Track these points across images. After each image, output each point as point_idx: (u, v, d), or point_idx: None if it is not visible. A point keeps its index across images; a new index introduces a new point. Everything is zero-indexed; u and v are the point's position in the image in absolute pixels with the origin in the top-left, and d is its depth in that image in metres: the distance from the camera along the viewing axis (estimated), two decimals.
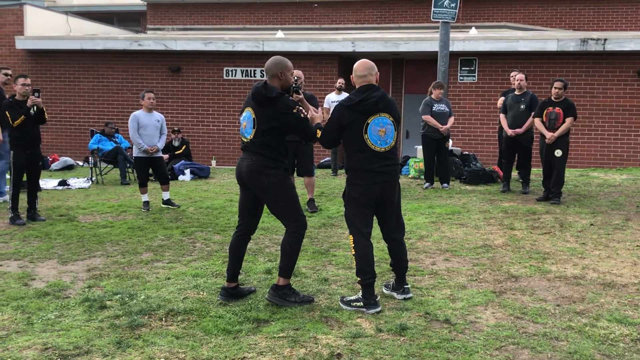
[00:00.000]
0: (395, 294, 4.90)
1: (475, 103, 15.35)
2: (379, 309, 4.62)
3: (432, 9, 11.49)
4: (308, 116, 4.78)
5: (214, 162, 14.67)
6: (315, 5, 21.20)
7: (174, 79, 16.58)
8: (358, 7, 21.39)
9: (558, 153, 8.75)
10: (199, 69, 16.45)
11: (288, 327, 4.29)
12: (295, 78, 8.16)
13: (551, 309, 4.65)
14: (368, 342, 4.04)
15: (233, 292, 4.86)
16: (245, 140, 4.82)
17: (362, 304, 4.62)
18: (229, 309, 4.64)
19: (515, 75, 10.08)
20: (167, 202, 8.94)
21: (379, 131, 4.60)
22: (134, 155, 8.93)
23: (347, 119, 4.59)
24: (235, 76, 16.40)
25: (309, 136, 4.75)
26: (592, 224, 7.40)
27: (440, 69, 11.56)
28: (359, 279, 4.67)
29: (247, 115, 4.76)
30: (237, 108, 16.15)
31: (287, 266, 4.75)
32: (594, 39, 14.38)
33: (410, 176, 11.60)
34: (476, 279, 5.41)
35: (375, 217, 4.82)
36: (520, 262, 5.90)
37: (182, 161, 12.90)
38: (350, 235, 4.72)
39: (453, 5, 11.29)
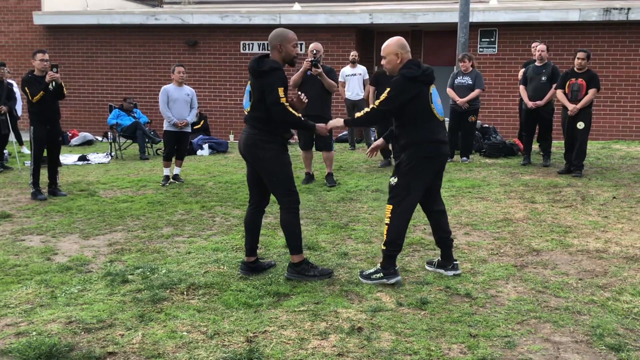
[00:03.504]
0: (443, 271, 4.81)
1: (496, 75, 15.15)
2: (399, 277, 4.62)
3: None
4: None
5: (231, 137, 14.67)
6: None
7: (191, 53, 16.52)
8: None
9: (580, 125, 8.62)
10: (216, 42, 16.38)
11: (309, 301, 4.30)
12: (315, 52, 8.14)
13: (573, 283, 4.62)
14: (389, 316, 4.04)
15: (253, 266, 4.88)
16: (245, 113, 4.82)
17: (382, 274, 4.60)
18: (249, 283, 4.66)
19: (537, 46, 9.90)
20: (175, 176, 8.96)
21: (437, 100, 4.62)
22: (164, 128, 8.91)
23: (413, 91, 4.49)
24: (252, 50, 16.31)
25: (280, 121, 4.60)
26: (614, 197, 7.31)
27: (460, 40, 11.39)
28: (384, 248, 4.62)
29: (247, 88, 4.78)
30: None
31: (294, 242, 4.75)
32: (617, 9, 14.06)
33: None
34: (497, 253, 5.38)
35: None
36: (541, 236, 5.85)
37: (201, 136, 12.91)
38: (390, 205, 4.62)
39: None
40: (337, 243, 5.75)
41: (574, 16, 14.28)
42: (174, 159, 8.98)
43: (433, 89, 4.61)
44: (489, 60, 15.22)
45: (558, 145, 10.28)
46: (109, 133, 12.53)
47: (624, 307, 4.14)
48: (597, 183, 8.15)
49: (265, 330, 3.84)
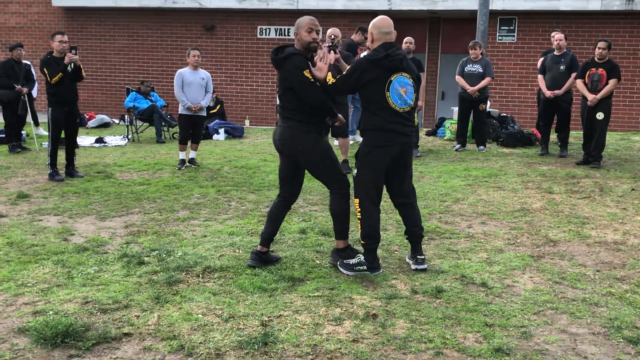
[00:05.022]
0: (410, 263, 4.73)
1: (514, 64, 15.02)
2: (381, 270, 4.59)
3: None
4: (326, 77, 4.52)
5: (247, 122, 14.69)
6: None
7: (208, 37, 16.52)
8: None
9: (600, 116, 8.52)
10: (233, 27, 16.36)
11: (323, 287, 4.30)
12: (332, 37, 8.08)
13: (591, 275, 4.58)
14: (403, 304, 4.03)
15: (264, 257, 4.76)
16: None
17: (365, 267, 4.56)
18: (264, 267, 4.66)
19: (555, 35, 9.78)
20: (192, 160, 8.97)
21: (401, 90, 4.45)
22: (179, 112, 8.93)
23: (371, 74, 4.40)
24: (269, 35, 16.28)
25: (312, 103, 4.46)
26: (633, 189, 7.23)
27: (480, 27, 11.28)
28: (362, 242, 4.59)
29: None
30: (271, 68, 16.03)
31: (342, 228, 4.71)
32: None
33: (445, 138, 11.40)
34: (513, 243, 5.34)
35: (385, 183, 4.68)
36: (558, 227, 5.80)
37: (217, 120, 12.92)
38: (357, 199, 4.59)
39: None
40: (352, 230, 5.72)
41: (595, 5, 14.10)
42: (189, 143, 8.99)
43: (400, 77, 4.43)
44: (508, 49, 15.09)
45: (575, 136, 10.18)
46: (126, 116, 12.57)
47: None
48: (616, 175, 8.06)
49: (280, 315, 3.84)
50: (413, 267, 4.68)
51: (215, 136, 12.24)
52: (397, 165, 4.57)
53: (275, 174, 8.32)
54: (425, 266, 4.65)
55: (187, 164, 8.90)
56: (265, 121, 15.91)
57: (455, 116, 11.25)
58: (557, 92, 9.20)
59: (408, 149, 4.59)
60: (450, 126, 11.25)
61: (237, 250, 5.11)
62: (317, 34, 4.58)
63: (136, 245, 5.27)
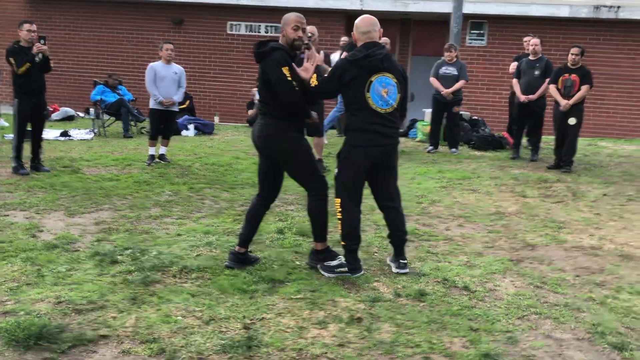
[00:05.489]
0: (392, 266, 4.66)
1: (484, 68, 15.12)
2: (362, 272, 4.52)
3: None
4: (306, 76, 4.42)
5: (217, 118, 14.48)
6: None
7: (176, 32, 16.24)
8: None
9: (572, 121, 8.61)
10: (202, 22, 16.12)
11: (305, 289, 4.21)
12: (310, 35, 7.97)
13: (571, 280, 4.59)
14: (387, 307, 3.97)
15: (242, 258, 4.62)
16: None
17: (346, 269, 4.47)
18: (243, 268, 4.55)
19: (530, 40, 9.86)
20: (162, 156, 8.78)
21: (382, 91, 4.37)
22: (150, 106, 8.71)
23: (350, 75, 4.33)
24: (239, 31, 16.09)
25: (285, 101, 4.33)
26: (605, 194, 7.32)
27: (453, 30, 11.34)
28: (343, 243, 4.51)
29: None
30: (240, 64, 15.89)
31: (321, 230, 4.60)
32: (606, 6, 14.12)
33: (417, 139, 11.42)
34: (492, 246, 5.33)
35: (368, 185, 4.61)
36: (535, 231, 5.82)
37: (186, 116, 12.70)
38: (338, 199, 4.50)
39: None
40: (330, 231, 5.63)
41: (564, 12, 14.30)
42: (160, 139, 8.79)
43: (381, 78, 4.35)
44: (478, 53, 15.19)
45: (545, 140, 10.29)
46: (91, 109, 12.25)
47: (623, 305, 4.12)
48: (587, 179, 8.16)
49: (263, 318, 3.74)
50: (395, 270, 4.62)
51: (184, 132, 12.03)
52: (379, 167, 4.50)
53: (248, 171, 8.20)
54: (407, 270, 4.60)
55: (157, 160, 8.69)
56: (235, 118, 15.71)
57: (427, 118, 11.28)
58: (531, 96, 9.28)
59: (390, 150, 4.52)
60: (422, 127, 11.27)
61: (214, 250, 4.98)
62: (304, 32, 4.47)
63: (108, 243, 5.09)
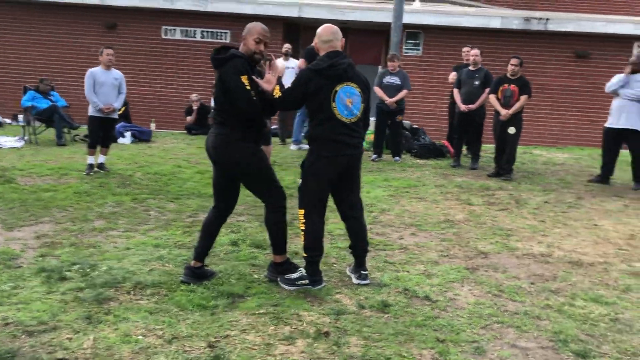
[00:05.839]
0: (352, 277, 4.62)
1: (419, 77, 15.37)
2: (324, 284, 4.46)
3: None
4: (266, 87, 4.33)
5: (152, 125, 14.11)
6: None
7: (110, 36, 15.75)
8: None
9: (512, 130, 8.84)
10: (136, 26, 15.70)
11: (266, 303, 4.11)
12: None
13: (526, 287, 4.66)
14: (353, 319, 3.92)
15: (198, 273, 4.47)
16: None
17: (307, 281, 4.40)
18: (199, 283, 4.40)
19: (469, 51, 10.09)
20: (101, 165, 8.47)
21: (347, 101, 4.33)
22: (89, 114, 8.37)
23: (315, 84, 4.27)
24: (174, 36, 15.76)
25: (242, 110, 4.20)
26: (546, 202, 7.53)
27: (393, 40, 11.46)
28: (305, 255, 4.43)
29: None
30: (176, 69, 15.59)
31: (280, 242, 4.50)
32: (536, 18, 14.65)
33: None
34: (447, 255, 5.37)
35: (331, 195, 4.56)
36: (485, 239, 5.91)
37: (122, 123, 12.30)
38: (302, 209, 4.43)
39: None
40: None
41: (495, 23, 14.74)
42: (99, 147, 8.46)
43: (346, 87, 4.32)
44: (414, 62, 15.43)
45: (484, 149, 10.52)
46: (21, 116, 11.70)
47: (580, 312, 4.21)
48: (527, 187, 8.38)
49: (227, 335, 3.62)
50: (355, 281, 4.58)
51: (120, 139, 11.64)
52: (344, 177, 4.46)
53: (192, 181, 8.01)
54: (368, 281, 4.56)
55: (96, 169, 8.37)
56: (171, 125, 15.35)
57: (371, 126, 11.34)
58: (471, 106, 9.47)
59: (355, 160, 4.48)
60: (367, 136, 11.31)
61: (167, 264, 4.81)
62: (265, 46, 4.37)
63: (53, 259, 4.84)
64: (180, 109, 15.17)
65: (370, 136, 11.06)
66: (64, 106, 11.96)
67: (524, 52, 14.79)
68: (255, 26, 4.35)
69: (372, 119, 10.68)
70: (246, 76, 4.23)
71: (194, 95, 13.96)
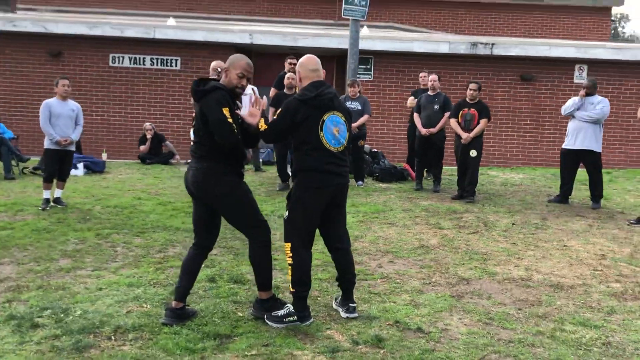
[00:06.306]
0: (340, 310, 4.51)
1: (372, 100, 15.45)
2: (312, 320, 4.32)
3: (343, 5, 11.37)
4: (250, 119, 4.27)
5: (104, 155, 13.68)
6: None
7: (54, 64, 15.31)
8: None
9: (473, 153, 8.94)
10: (82, 54, 15.31)
11: (256, 343, 3.95)
12: (219, 70, 7.73)
13: (515, 314, 4.64)
14: (349, 357, 3.79)
15: (180, 313, 4.27)
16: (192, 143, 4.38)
17: (295, 317, 4.26)
18: (182, 324, 4.20)
19: (426, 76, 10.20)
20: (57, 200, 8.11)
21: (334, 130, 4.30)
22: (44, 146, 8.02)
23: (302, 114, 4.21)
24: (122, 63, 15.43)
25: (224, 142, 4.07)
26: (513, 224, 7.59)
27: (350, 66, 11.50)
28: (293, 290, 4.30)
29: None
30: (124, 97, 15.24)
31: (265, 278, 4.35)
32: (482, 43, 15.03)
33: None
34: (429, 283, 5.31)
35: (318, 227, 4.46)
36: (463, 264, 5.89)
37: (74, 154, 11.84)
38: (288, 243, 4.31)
39: (364, 3, 11.24)
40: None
41: (444, 48, 15.03)
42: (55, 181, 8.10)
43: (332, 116, 4.29)
44: (365, 87, 15.53)
45: (445, 171, 10.60)
46: None
47: (572, 337, 4.21)
48: (492, 209, 8.45)
49: None
50: (344, 315, 4.46)
51: (73, 171, 11.13)
52: (331, 207, 4.36)
53: (155, 213, 7.75)
54: (356, 314, 4.45)
55: (52, 203, 8.00)
56: (122, 154, 14.92)
57: None
58: (432, 130, 9.55)
59: (343, 189, 4.40)
60: None
61: (145, 305, 4.58)
62: (248, 82, 4.28)
63: (21, 304, 4.55)
64: (131, 137, 14.81)
65: None
66: (11, 138, 11.47)
67: (471, 76, 15.13)
68: (240, 60, 4.25)
69: None
70: (227, 108, 4.12)
71: (147, 123, 13.63)
